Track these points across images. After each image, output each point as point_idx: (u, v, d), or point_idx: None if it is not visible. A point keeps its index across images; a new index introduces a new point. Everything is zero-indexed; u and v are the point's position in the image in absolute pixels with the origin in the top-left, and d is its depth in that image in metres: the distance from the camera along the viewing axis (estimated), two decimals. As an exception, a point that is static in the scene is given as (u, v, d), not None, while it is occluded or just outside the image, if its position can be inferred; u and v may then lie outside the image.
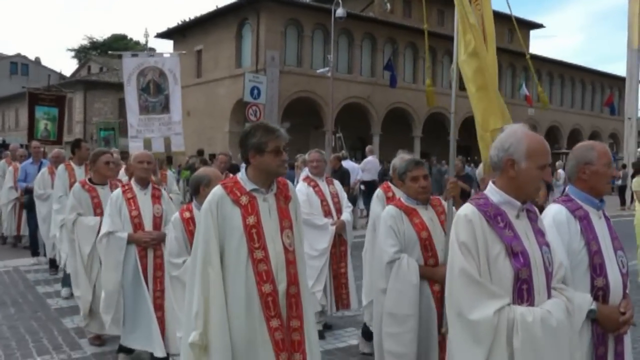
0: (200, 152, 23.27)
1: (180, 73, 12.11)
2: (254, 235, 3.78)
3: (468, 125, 47.35)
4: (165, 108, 11.67)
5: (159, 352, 6.08)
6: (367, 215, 19.36)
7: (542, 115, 50.63)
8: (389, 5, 39.71)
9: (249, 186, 3.87)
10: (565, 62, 53.23)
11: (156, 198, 6.50)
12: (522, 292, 3.09)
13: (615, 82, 57.25)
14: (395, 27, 41.19)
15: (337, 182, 8.32)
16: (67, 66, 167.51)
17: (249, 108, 18.54)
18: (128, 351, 6.54)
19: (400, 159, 6.54)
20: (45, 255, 11.74)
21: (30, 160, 12.97)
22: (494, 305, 3.00)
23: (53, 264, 11.02)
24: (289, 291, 3.85)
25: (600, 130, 57.72)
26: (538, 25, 55.62)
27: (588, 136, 55.87)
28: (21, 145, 17.47)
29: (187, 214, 5.33)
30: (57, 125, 17.11)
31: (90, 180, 7.47)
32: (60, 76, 62.97)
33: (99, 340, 7.31)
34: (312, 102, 37.39)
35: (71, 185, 8.92)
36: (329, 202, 7.78)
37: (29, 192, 12.24)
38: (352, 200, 13.59)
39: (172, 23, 73.03)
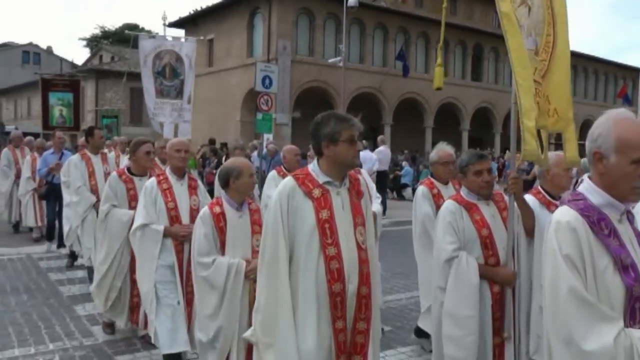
0: (211, 141, 23.27)
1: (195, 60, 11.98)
2: (327, 230, 3.59)
3: (479, 117, 47.18)
4: (180, 93, 11.48)
5: (183, 346, 5.69)
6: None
7: (555, 106, 50.32)
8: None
9: (322, 179, 3.68)
10: (578, 53, 52.85)
11: (193, 189, 6.12)
12: (635, 312, 2.58)
13: (629, 73, 57.01)
14: (407, 16, 41.05)
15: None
16: (78, 55, 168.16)
17: (260, 97, 18.48)
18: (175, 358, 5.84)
19: (442, 150, 6.46)
20: (64, 245, 11.38)
21: (51, 150, 12.42)
22: (610, 331, 2.47)
23: (72, 256, 10.82)
24: (359, 291, 3.64)
25: (613, 122, 57.29)
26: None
27: (600, 127, 55.56)
28: (37, 135, 17.24)
29: (217, 209, 4.94)
30: (73, 111, 16.77)
31: (129, 170, 7.00)
32: (72, 65, 63.03)
33: (110, 329, 7.25)
34: (324, 92, 37.32)
35: (90, 175, 9.00)
36: None
37: (47, 182, 12.00)
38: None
39: (184, 12, 73.02)
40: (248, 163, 5.21)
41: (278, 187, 3.74)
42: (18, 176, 14.34)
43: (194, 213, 5.84)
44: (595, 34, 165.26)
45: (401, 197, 25.93)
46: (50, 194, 11.80)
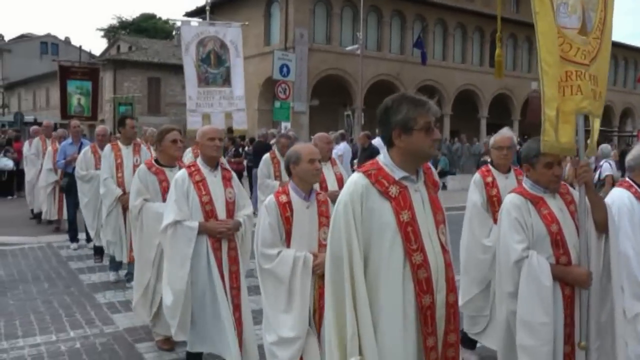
0: (229, 130, 23.25)
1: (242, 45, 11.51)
2: (410, 234, 3.07)
3: (498, 104, 46.90)
4: (227, 81, 11.04)
5: (234, 358, 5.22)
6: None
7: (574, 93, 49.89)
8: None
9: (397, 174, 3.15)
10: (598, 38, 52.33)
11: (227, 180, 5.60)
12: None
13: (650, 58, 56.36)
14: (425, 3, 40.78)
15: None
16: (96, 46, 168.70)
17: (278, 86, 18.50)
18: (195, 358, 5.66)
19: (499, 134, 6.04)
20: (88, 240, 11.16)
21: (70, 140, 11.89)
22: None
23: (98, 251, 10.28)
24: (448, 300, 3.17)
25: (632, 107, 56.77)
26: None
27: (620, 113, 55.15)
28: (55, 125, 17.08)
29: (283, 198, 4.56)
30: (91, 100, 16.36)
31: (157, 161, 6.55)
32: (90, 55, 63.27)
33: (169, 344, 6.42)
34: (341, 80, 37.22)
35: (118, 167, 8.64)
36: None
37: (67, 174, 11.53)
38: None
39: (201, 1, 73.02)
40: (309, 148, 4.77)
41: (346, 185, 3.23)
42: None
43: (230, 207, 5.51)
44: (615, 19, 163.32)
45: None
46: (72, 187, 11.10)
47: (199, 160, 5.60)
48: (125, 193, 8.25)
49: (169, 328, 5.86)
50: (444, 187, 25.26)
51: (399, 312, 3.06)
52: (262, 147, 16.22)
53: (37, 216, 14.69)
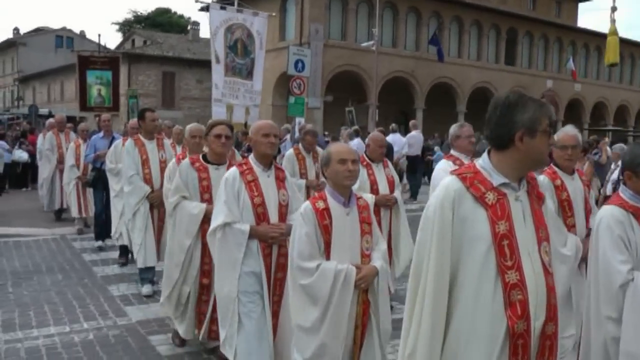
0: (245, 125, 23.28)
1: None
2: (505, 248, 2.70)
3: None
4: (250, 74, 10.71)
5: None
6: (410, 190, 19.41)
7: (589, 91, 49.74)
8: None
9: (496, 179, 2.78)
10: (614, 37, 52.00)
11: (280, 181, 5.09)
12: None
13: (666, 58, 55.89)
14: (441, 0, 40.67)
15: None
16: (111, 40, 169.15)
17: (292, 81, 18.43)
18: None
19: (563, 131, 5.34)
20: (109, 237, 10.45)
21: (101, 134, 11.21)
22: None
23: (124, 252, 9.76)
24: (544, 330, 2.76)
25: (649, 107, 56.48)
26: (587, -1, 54.47)
27: (636, 113, 54.81)
28: (72, 119, 16.58)
29: (320, 204, 4.12)
30: (112, 90, 15.92)
31: (204, 157, 6.07)
32: (105, 49, 63.53)
33: (180, 339, 6.35)
34: (356, 76, 37.15)
35: (144, 163, 8.10)
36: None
37: (95, 169, 10.85)
38: (399, 174, 13.53)
39: (216, -4, 73.09)
40: (340, 147, 4.33)
41: (438, 188, 2.87)
42: (60, 161, 13.44)
43: (283, 210, 5.02)
44: (630, 17, 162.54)
45: (433, 182, 25.76)
46: (98, 182, 10.67)
47: (251, 158, 5.10)
48: (153, 190, 8.02)
49: (187, 332, 6.10)
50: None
51: (485, 338, 2.70)
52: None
53: (58, 212, 14.07)
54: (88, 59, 16.30)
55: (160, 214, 8.05)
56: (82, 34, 72.07)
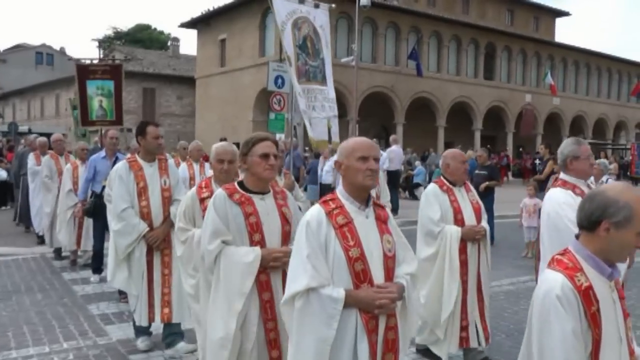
0: (222, 141, 23.28)
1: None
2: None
3: (492, 116, 46.95)
4: (325, 78, 8.63)
5: None
6: (390, 203, 19.40)
7: (567, 105, 50.24)
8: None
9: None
10: (592, 51, 52.61)
11: (383, 223, 3.54)
12: None
13: (643, 71, 56.67)
14: (420, 15, 41.03)
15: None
16: (91, 56, 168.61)
17: (272, 97, 18.49)
18: None
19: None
20: (100, 271, 9.64)
21: (103, 153, 9.45)
22: None
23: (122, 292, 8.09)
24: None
25: (626, 120, 57.13)
26: (564, 13, 55.08)
27: (614, 126, 55.46)
28: (49, 135, 14.76)
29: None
30: (115, 102, 14.56)
31: (241, 184, 4.32)
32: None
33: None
34: (336, 91, 37.11)
35: (140, 193, 6.36)
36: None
37: (94, 194, 9.27)
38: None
39: (196, 12, 73.08)
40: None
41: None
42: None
43: (389, 264, 3.44)
44: (609, 31, 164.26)
45: (414, 197, 25.82)
46: (98, 210, 8.93)
47: (340, 192, 3.53)
48: (152, 228, 6.34)
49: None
50: (416, 197, 25.09)
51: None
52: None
53: (57, 251, 11.73)
54: (87, 68, 14.74)
55: (163, 260, 6.44)
56: (62, 51, 71.89)
